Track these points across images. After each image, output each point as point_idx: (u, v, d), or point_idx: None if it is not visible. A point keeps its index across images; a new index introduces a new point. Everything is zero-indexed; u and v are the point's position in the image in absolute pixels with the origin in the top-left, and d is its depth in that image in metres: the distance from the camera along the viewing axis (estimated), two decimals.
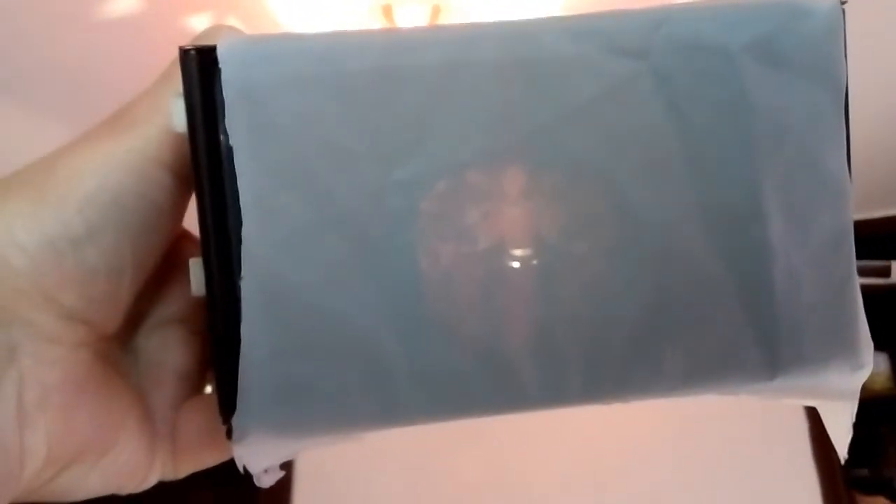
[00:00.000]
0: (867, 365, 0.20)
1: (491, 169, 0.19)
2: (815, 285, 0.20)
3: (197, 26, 1.22)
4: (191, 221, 0.21)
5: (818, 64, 0.20)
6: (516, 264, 0.19)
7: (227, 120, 0.18)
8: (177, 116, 0.19)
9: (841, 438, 0.22)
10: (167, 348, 0.23)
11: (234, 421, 0.19)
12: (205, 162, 0.19)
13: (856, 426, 0.22)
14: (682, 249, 0.20)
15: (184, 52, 0.19)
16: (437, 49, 0.19)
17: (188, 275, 0.20)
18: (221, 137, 0.18)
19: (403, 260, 0.19)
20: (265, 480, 0.21)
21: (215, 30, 0.21)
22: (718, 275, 0.20)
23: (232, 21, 1.22)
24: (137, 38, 1.26)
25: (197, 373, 0.24)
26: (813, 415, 1.92)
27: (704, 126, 0.20)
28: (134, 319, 0.23)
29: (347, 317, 0.19)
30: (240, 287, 0.18)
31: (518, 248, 0.20)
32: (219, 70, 0.18)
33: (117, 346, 0.23)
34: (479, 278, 0.19)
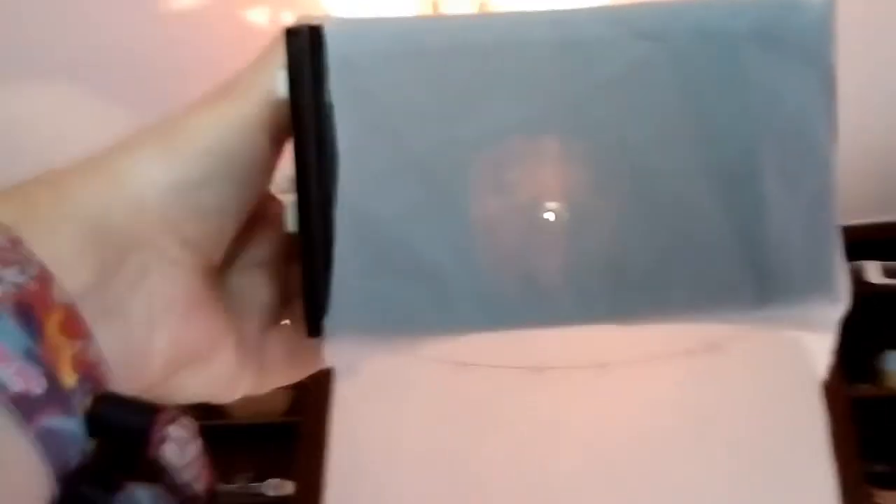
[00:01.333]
0: (843, 300, 0.24)
1: (531, 132, 0.23)
2: (802, 233, 0.24)
3: (256, 19, 1.27)
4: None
5: (810, 49, 0.23)
6: (551, 210, 0.24)
7: (330, 82, 0.23)
8: (281, 85, 0.23)
9: (821, 365, 0.25)
10: (255, 287, 0.28)
11: (327, 321, 0.23)
12: (309, 118, 0.23)
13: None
14: (689, 202, 0.24)
15: (294, 29, 0.23)
16: (493, 31, 0.23)
17: (274, 222, 0.25)
18: (325, 98, 0.23)
19: (462, 201, 0.23)
20: (345, 375, 0.25)
21: (308, 18, 0.25)
22: (720, 223, 0.24)
23: (287, 16, 1.27)
24: (199, 29, 1.31)
25: (277, 308, 0.28)
26: (833, 411, 1.93)
27: (710, 99, 0.23)
28: (229, 260, 0.27)
29: (419, 244, 0.23)
30: (333, 218, 0.23)
31: (552, 197, 0.24)
32: (324, 43, 0.23)
33: (219, 278, 0.27)
34: (521, 219, 0.24)
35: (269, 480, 2.41)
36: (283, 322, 0.29)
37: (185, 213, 0.24)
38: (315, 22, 0.23)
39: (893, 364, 2.18)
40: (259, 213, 0.27)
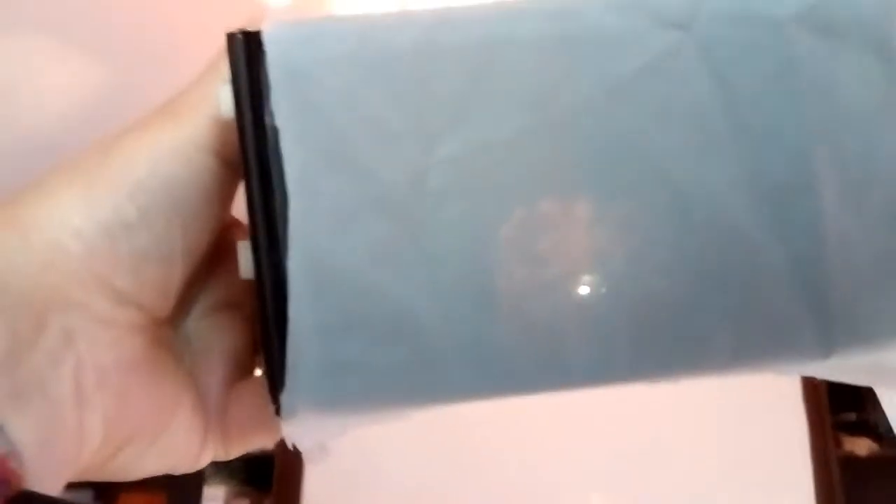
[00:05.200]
0: None
1: (533, 145, 0.18)
2: (870, 259, 0.19)
3: None
4: (239, 210, 0.20)
5: (869, 32, 0.18)
6: (560, 240, 0.18)
7: (272, 100, 0.17)
8: (224, 103, 0.18)
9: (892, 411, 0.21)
10: (218, 333, 0.23)
11: (283, 398, 0.18)
12: (251, 143, 0.18)
13: None
14: (728, 222, 0.18)
15: (230, 37, 0.18)
16: (477, 27, 0.18)
17: (237, 260, 0.19)
18: (267, 119, 0.18)
19: (446, 238, 0.18)
20: (313, 458, 0.20)
21: (259, 19, 0.20)
22: (767, 248, 0.18)
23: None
24: None
25: (247, 356, 0.23)
26: None
27: (751, 97, 0.18)
28: (185, 304, 0.22)
29: (392, 294, 0.18)
30: (287, 267, 0.18)
31: (562, 223, 0.18)
32: (264, 52, 0.17)
33: (169, 330, 0.22)
34: (523, 254, 0.18)
35: None
36: (253, 373, 0.24)
37: (117, 262, 0.19)
38: (256, 27, 0.18)
39: None
40: (221, 246, 0.22)
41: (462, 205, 0.18)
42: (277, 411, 0.18)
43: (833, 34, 0.18)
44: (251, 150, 0.18)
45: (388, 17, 0.18)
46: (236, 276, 0.20)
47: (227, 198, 0.21)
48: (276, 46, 0.17)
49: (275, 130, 0.17)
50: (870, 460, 1.93)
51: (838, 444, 1.92)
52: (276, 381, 0.18)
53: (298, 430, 0.18)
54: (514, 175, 0.18)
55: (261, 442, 0.23)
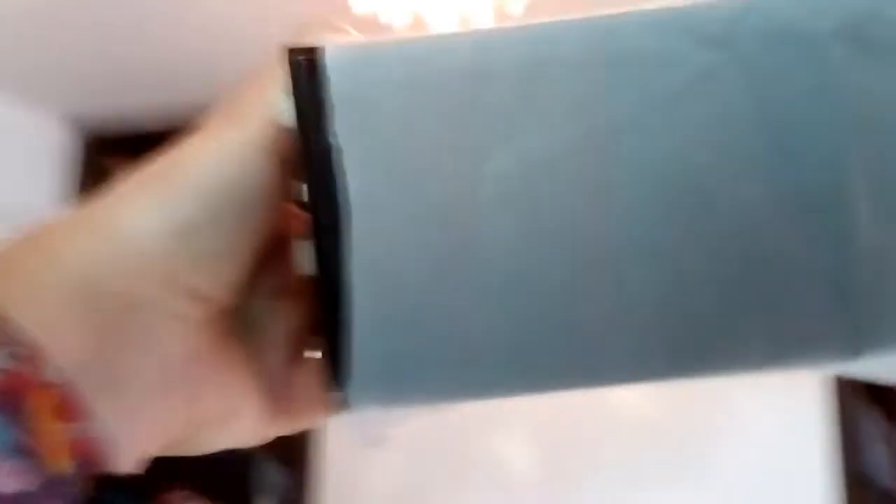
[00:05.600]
0: None
1: (577, 160, 0.19)
2: None
3: None
4: None
5: None
6: (602, 248, 0.20)
7: (334, 122, 0.19)
8: (284, 113, 0.20)
9: None
10: (278, 315, 0.24)
11: (347, 392, 0.20)
12: (315, 161, 0.19)
13: None
14: (766, 234, 0.19)
15: (292, 56, 0.19)
16: (521, 48, 0.19)
17: (294, 255, 0.21)
18: (330, 139, 0.19)
19: (495, 246, 0.19)
20: (373, 445, 0.22)
21: (318, 27, 0.21)
22: (802, 256, 0.19)
23: None
24: None
25: (305, 337, 0.25)
26: None
27: (789, 113, 0.19)
28: (247, 289, 0.24)
29: (445, 299, 0.19)
30: (348, 272, 0.19)
31: (603, 232, 0.20)
32: (326, 74, 0.19)
33: (235, 317, 0.24)
34: (566, 261, 0.20)
35: None
36: (312, 353, 0.26)
37: (190, 261, 0.21)
38: (314, 44, 0.19)
39: None
40: (280, 233, 0.24)
41: (510, 216, 0.19)
42: (342, 404, 0.20)
43: (872, 52, 0.19)
44: (314, 166, 0.19)
45: (439, 39, 0.19)
46: (292, 264, 0.22)
47: (285, 193, 0.22)
48: (338, 71, 0.19)
49: (338, 150, 0.19)
50: None
51: None
52: (340, 377, 0.20)
53: (360, 421, 0.20)
54: (559, 189, 0.19)
55: (322, 414, 0.25)
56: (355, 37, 0.22)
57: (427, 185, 0.19)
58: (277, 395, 0.24)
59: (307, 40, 0.20)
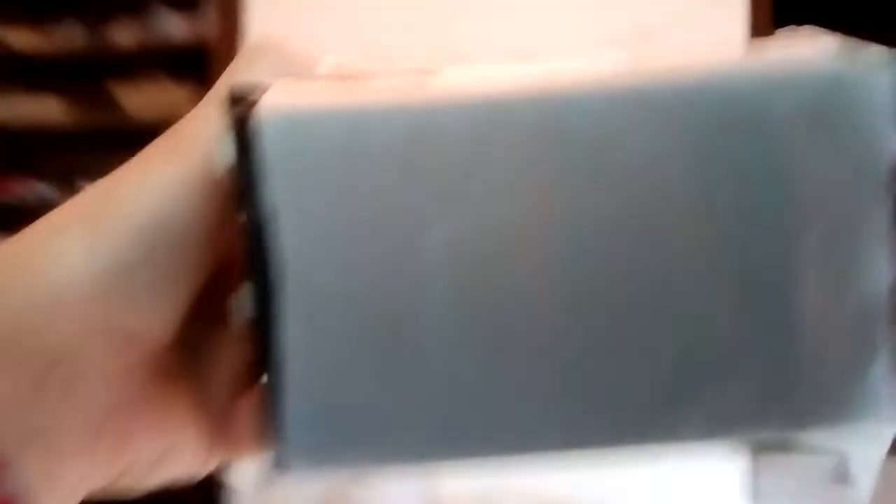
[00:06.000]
0: (890, 431, 0.20)
1: (515, 232, 0.19)
2: (843, 347, 0.19)
3: None
4: None
5: (862, 136, 0.18)
6: (546, 318, 0.19)
7: (269, 181, 0.18)
8: (223, 153, 0.19)
9: (863, 489, 0.21)
10: (221, 346, 0.23)
11: (276, 455, 0.19)
12: (249, 216, 0.19)
13: None
14: (710, 308, 0.19)
15: (231, 107, 0.19)
16: (468, 116, 0.19)
17: (231, 306, 0.20)
18: (264, 197, 0.18)
19: (431, 312, 0.19)
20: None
21: (258, 57, 0.21)
22: (745, 333, 0.19)
23: None
24: None
25: (250, 367, 0.24)
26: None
27: (739, 192, 0.19)
28: (190, 321, 0.23)
29: (379, 363, 0.19)
30: (283, 326, 0.19)
31: (548, 301, 0.19)
32: (261, 134, 0.18)
33: (174, 351, 0.22)
34: (505, 329, 0.19)
35: None
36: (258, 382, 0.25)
37: (124, 302, 0.19)
38: (254, 95, 0.19)
39: None
40: (227, 262, 0.22)
41: (446, 283, 0.19)
42: (275, 465, 0.19)
43: (826, 136, 0.18)
44: (250, 224, 0.19)
45: (382, 103, 0.19)
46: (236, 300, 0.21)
47: (225, 225, 0.21)
48: (273, 133, 0.18)
49: (273, 208, 0.18)
50: None
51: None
52: (274, 428, 0.19)
53: (294, 480, 0.20)
54: (498, 260, 0.19)
55: (259, 451, 0.24)
56: (302, 68, 0.21)
57: (363, 251, 0.19)
58: (219, 429, 0.23)
59: (250, 86, 0.19)
